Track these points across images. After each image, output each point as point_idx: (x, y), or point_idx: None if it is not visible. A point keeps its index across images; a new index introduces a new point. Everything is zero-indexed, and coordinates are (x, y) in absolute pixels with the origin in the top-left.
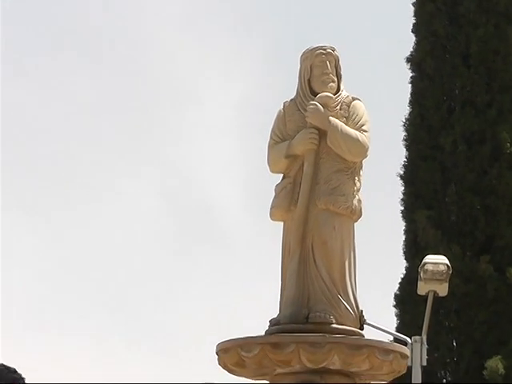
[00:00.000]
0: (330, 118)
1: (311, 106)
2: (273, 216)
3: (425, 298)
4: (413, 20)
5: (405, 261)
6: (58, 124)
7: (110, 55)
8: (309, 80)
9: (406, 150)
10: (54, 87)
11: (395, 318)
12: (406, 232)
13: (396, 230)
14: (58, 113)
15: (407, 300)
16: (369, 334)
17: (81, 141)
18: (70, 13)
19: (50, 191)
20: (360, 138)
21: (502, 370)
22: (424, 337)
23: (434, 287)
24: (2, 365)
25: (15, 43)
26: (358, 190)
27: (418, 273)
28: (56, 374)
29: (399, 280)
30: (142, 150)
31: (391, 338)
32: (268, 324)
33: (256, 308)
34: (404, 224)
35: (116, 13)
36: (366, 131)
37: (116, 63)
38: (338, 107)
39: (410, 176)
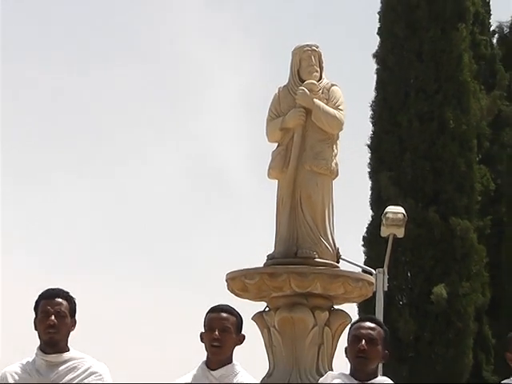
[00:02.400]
0: (314, 99)
1: (300, 91)
2: (270, 175)
3: (386, 239)
4: (378, 25)
5: (371, 210)
6: (102, 102)
7: (143, 50)
8: (298, 70)
9: (372, 125)
10: (95, 72)
11: (363, 255)
12: (372, 188)
13: (364, 186)
14: (101, 93)
15: (373, 240)
16: (343, 266)
17: (123, 117)
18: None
19: (92, 157)
20: (337, 115)
21: (445, 295)
22: (385, 269)
23: (393, 231)
24: (58, 288)
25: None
26: (336, 156)
27: (381, 220)
28: (99, 299)
29: (366, 225)
30: (167, 123)
31: (360, 269)
32: (266, 258)
33: (256, 246)
34: (370, 182)
35: (142, 11)
36: (342, 110)
37: (148, 54)
38: (321, 91)
39: (375, 146)
